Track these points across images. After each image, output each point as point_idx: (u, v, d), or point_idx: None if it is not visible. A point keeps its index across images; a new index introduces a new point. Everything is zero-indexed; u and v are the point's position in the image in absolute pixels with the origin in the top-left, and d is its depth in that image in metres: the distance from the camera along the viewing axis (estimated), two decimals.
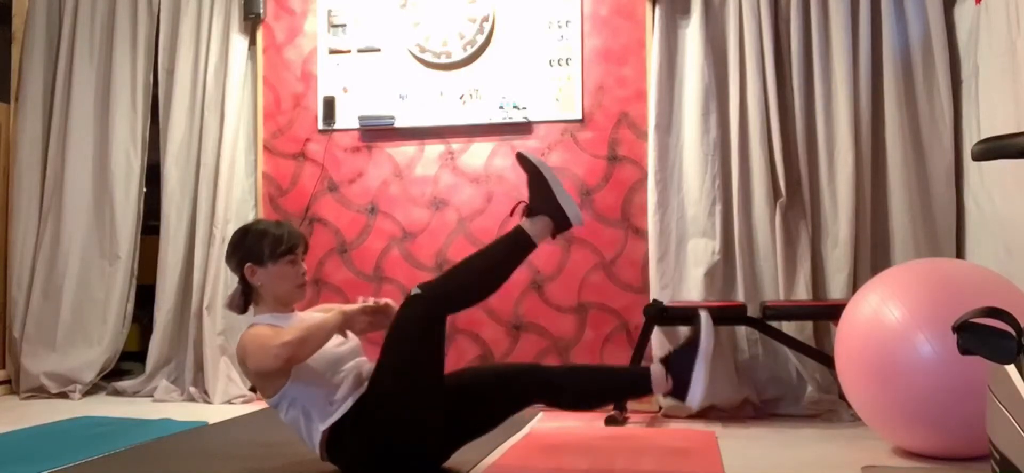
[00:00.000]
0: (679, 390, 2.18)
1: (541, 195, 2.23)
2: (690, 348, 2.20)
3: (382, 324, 2.28)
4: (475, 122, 3.57)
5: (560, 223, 2.22)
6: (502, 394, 2.24)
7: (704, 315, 2.23)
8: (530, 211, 2.25)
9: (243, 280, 2.28)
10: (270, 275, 2.25)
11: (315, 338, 2.11)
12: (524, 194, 3.43)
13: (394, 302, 2.31)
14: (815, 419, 3.07)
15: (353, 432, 2.15)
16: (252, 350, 2.13)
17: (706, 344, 2.18)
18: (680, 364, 2.19)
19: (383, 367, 2.15)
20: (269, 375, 2.16)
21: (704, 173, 3.30)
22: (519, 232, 2.23)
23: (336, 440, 2.16)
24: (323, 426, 2.15)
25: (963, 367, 1.91)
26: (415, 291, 2.15)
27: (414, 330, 2.13)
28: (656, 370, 2.22)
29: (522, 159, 2.28)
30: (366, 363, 2.29)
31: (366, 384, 2.20)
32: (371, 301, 2.26)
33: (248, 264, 2.25)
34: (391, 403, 2.13)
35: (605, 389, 2.37)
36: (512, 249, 2.25)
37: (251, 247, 2.26)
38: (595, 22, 3.49)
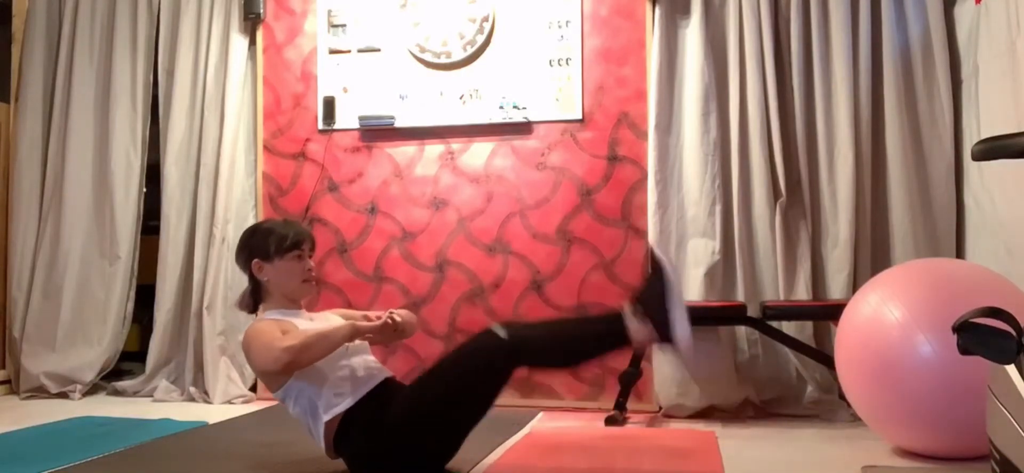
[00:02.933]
0: (662, 333, 2.03)
1: (655, 297, 2.05)
2: (659, 288, 2.05)
3: (394, 339, 2.30)
4: (475, 122, 3.57)
5: (663, 337, 2.04)
6: (486, 382, 2.16)
7: (660, 252, 2.13)
8: (638, 300, 2.08)
9: (251, 277, 2.32)
10: (276, 270, 2.29)
11: (319, 346, 2.12)
12: (524, 194, 3.51)
13: (413, 318, 2.33)
14: (815, 419, 3.07)
15: (367, 430, 2.15)
16: (256, 347, 2.16)
17: (673, 280, 2.04)
18: (652, 306, 2.04)
19: (433, 385, 2.16)
20: (269, 374, 2.18)
21: (704, 173, 3.30)
22: (619, 324, 2.06)
23: (345, 434, 2.17)
24: (326, 417, 2.15)
25: (963, 367, 1.91)
26: (500, 331, 2.11)
27: (484, 368, 2.12)
28: (630, 318, 2.05)
29: (652, 255, 2.13)
30: (372, 360, 2.31)
31: (374, 381, 2.21)
32: (390, 317, 2.23)
33: (255, 260, 2.30)
34: (427, 422, 2.14)
35: (578, 344, 2.20)
36: (606, 337, 2.13)
37: (258, 243, 2.31)
38: (595, 22, 3.49)
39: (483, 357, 2.13)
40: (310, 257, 2.36)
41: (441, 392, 2.14)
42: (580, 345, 2.18)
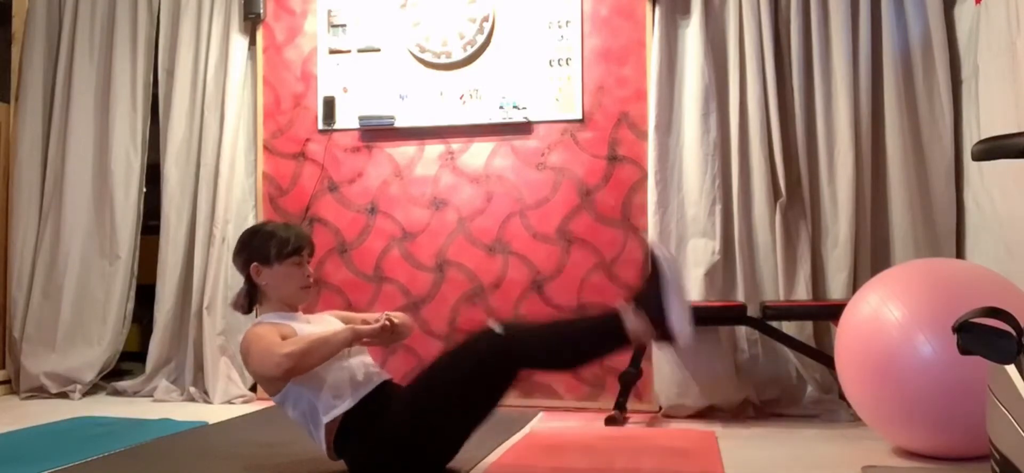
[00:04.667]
0: (660, 329, 2.01)
1: (653, 294, 2.03)
2: (654, 283, 2.03)
3: (392, 341, 2.30)
4: (475, 122, 3.57)
5: (662, 333, 2.02)
6: (485, 381, 2.15)
7: (658, 247, 2.13)
8: (637, 299, 2.06)
9: (249, 280, 2.31)
10: (276, 275, 2.28)
11: (319, 352, 2.11)
12: (525, 195, 3.51)
13: (409, 320, 2.33)
14: (815, 419, 3.07)
15: (367, 431, 2.15)
16: (255, 353, 2.15)
17: (671, 273, 2.02)
18: (648, 301, 2.03)
19: (434, 387, 2.15)
20: (269, 380, 2.18)
21: (704, 173, 3.30)
22: (616, 323, 2.04)
23: (345, 436, 2.17)
24: (326, 419, 2.15)
25: (963, 367, 1.91)
26: (498, 329, 2.10)
27: (483, 369, 2.11)
28: (627, 314, 2.03)
29: (652, 251, 2.12)
30: (370, 361, 2.31)
31: (373, 383, 2.21)
32: (387, 319, 2.23)
33: (254, 264, 2.29)
34: (429, 424, 2.13)
35: (577, 345, 2.17)
36: (605, 338, 2.11)
37: (258, 247, 2.30)
38: (595, 22, 3.49)
39: (482, 357, 2.12)
40: (309, 263, 2.35)
41: (442, 394, 2.13)
42: (579, 346, 2.16)
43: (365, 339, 2.22)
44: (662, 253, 2.08)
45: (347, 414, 2.15)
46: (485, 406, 2.15)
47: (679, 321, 2.00)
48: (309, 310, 2.50)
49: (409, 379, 2.26)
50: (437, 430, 2.16)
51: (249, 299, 2.33)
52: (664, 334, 2.02)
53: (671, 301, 2.00)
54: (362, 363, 2.26)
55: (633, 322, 2.02)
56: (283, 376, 2.12)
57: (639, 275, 3.37)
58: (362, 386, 2.19)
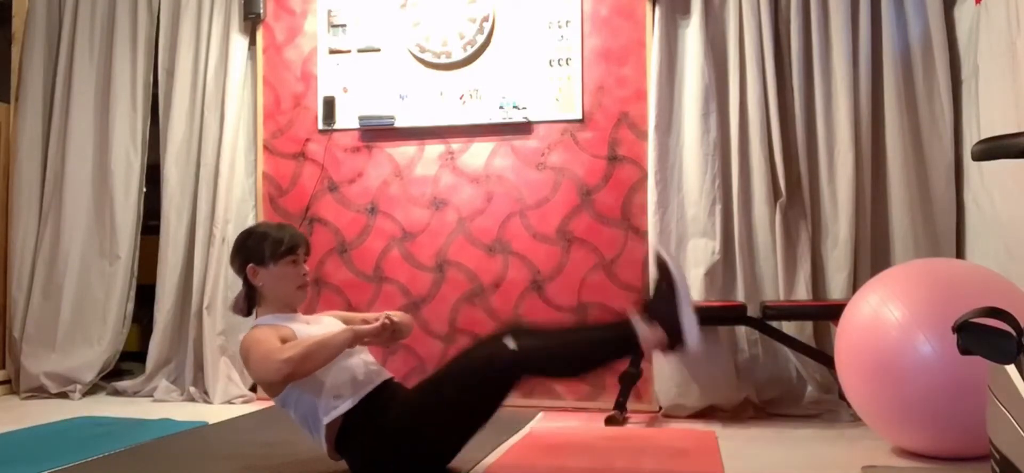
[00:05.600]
0: (673, 337, 2.03)
1: (664, 302, 2.04)
2: (667, 291, 2.05)
3: (392, 341, 2.30)
4: (475, 122, 3.57)
5: (674, 341, 2.04)
6: (492, 391, 2.17)
7: (666, 255, 2.13)
8: (648, 309, 2.07)
9: (246, 282, 2.31)
10: (271, 276, 2.28)
11: (320, 355, 2.11)
12: (525, 195, 3.50)
13: (409, 319, 2.34)
14: (815, 419, 3.07)
15: (368, 431, 2.15)
16: (255, 358, 2.15)
17: (681, 282, 2.04)
18: (661, 312, 2.04)
19: (441, 391, 2.15)
20: (269, 384, 2.18)
21: (704, 173, 3.30)
22: (629, 332, 2.05)
23: (346, 436, 2.17)
24: (326, 420, 2.15)
25: (963, 367, 1.90)
26: (510, 342, 2.10)
27: (491, 376, 2.12)
28: (639, 324, 2.05)
29: (659, 259, 2.13)
30: (371, 361, 2.31)
31: (374, 383, 2.21)
32: (386, 318, 2.23)
33: (250, 265, 2.29)
34: (431, 426, 2.14)
35: (588, 354, 2.20)
36: (617, 346, 2.13)
37: (253, 248, 2.30)
38: (595, 22, 3.49)
39: (493, 369, 2.12)
40: (305, 262, 2.35)
41: (448, 398, 2.14)
42: (590, 355, 2.17)
43: (365, 340, 2.22)
44: (672, 263, 2.08)
45: (348, 414, 2.15)
46: (489, 411, 2.16)
47: (692, 332, 2.01)
48: (309, 310, 2.50)
49: (415, 383, 2.26)
50: (439, 433, 2.16)
51: (248, 302, 2.33)
52: (676, 344, 2.03)
53: (684, 312, 2.02)
54: (363, 363, 2.26)
55: (646, 332, 2.03)
56: (283, 381, 2.12)
57: (641, 277, 3.37)
58: (363, 385, 2.19)
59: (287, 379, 2.11)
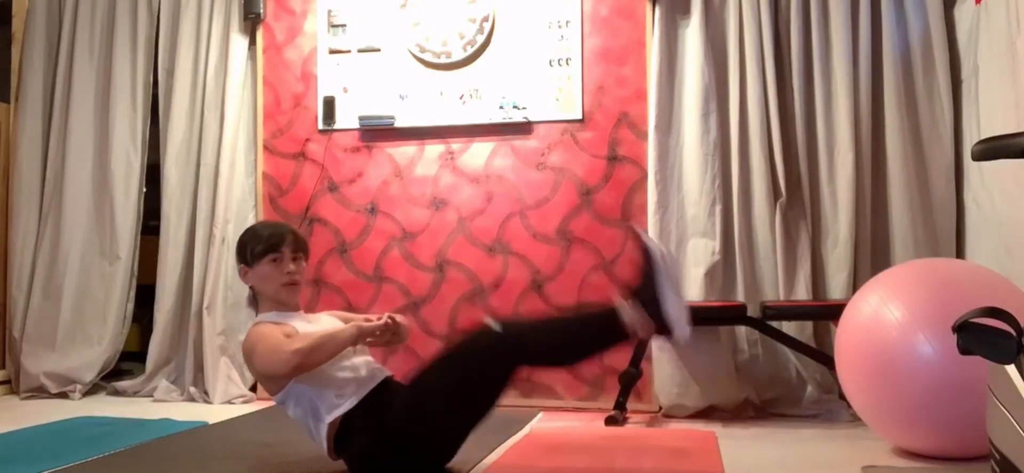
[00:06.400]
0: (656, 319, 2.00)
1: (649, 288, 2.01)
2: (648, 274, 2.01)
3: (392, 342, 2.31)
4: (475, 122, 3.57)
5: (657, 323, 2.01)
6: (483, 379, 2.14)
7: (644, 235, 2.10)
8: (635, 294, 2.04)
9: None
10: (257, 276, 2.31)
11: (326, 349, 2.12)
12: (525, 195, 3.50)
13: (408, 324, 2.34)
14: (815, 419, 3.07)
15: (367, 431, 2.15)
16: (261, 351, 2.15)
17: (662, 263, 2.00)
18: (644, 293, 2.01)
19: (433, 386, 2.14)
20: (275, 377, 2.18)
21: (704, 173, 3.30)
22: (615, 319, 2.02)
23: (345, 435, 2.17)
24: (328, 418, 2.15)
25: (963, 367, 1.91)
26: (495, 326, 2.10)
27: (482, 367, 2.10)
28: (625, 309, 2.02)
29: (638, 240, 2.09)
30: (372, 361, 2.31)
31: (375, 381, 2.21)
32: (391, 318, 2.24)
33: (240, 265, 2.33)
34: (428, 424, 2.13)
35: (576, 340, 2.17)
36: (603, 332, 2.09)
37: (240, 250, 2.34)
38: (595, 22, 3.49)
39: (480, 355, 2.11)
40: (294, 259, 2.32)
41: (442, 394, 2.13)
42: (577, 341, 2.16)
43: (368, 338, 2.22)
44: (652, 244, 2.06)
45: (348, 413, 2.16)
46: (483, 404, 2.14)
47: (674, 310, 1.99)
48: (309, 310, 2.50)
49: (408, 378, 2.26)
50: (436, 429, 2.16)
51: (253, 300, 2.36)
52: (661, 326, 2.01)
53: (665, 291, 1.99)
54: (364, 361, 2.27)
55: (630, 315, 2.02)
56: (291, 373, 2.12)
57: (636, 272, 3.37)
58: (365, 383, 2.20)
59: (296, 371, 2.11)
